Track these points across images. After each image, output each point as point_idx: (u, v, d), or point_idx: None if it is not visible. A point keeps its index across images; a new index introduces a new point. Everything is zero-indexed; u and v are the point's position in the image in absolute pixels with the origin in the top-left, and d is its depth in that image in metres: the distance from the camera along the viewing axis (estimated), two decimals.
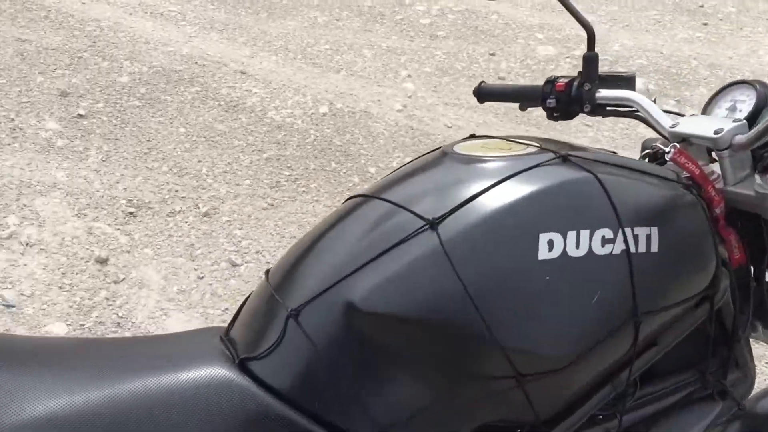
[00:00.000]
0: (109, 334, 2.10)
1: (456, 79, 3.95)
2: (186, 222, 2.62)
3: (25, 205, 2.52)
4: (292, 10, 4.60)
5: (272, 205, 2.78)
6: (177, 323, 2.16)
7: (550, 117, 1.21)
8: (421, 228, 0.86)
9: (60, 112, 3.14)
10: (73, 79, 3.43)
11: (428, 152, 1.05)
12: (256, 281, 2.38)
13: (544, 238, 0.84)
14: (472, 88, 1.31)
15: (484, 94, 1.29)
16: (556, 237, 0.84)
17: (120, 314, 2.17)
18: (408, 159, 3.26)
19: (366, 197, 0.96)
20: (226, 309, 2.24)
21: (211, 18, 4.34)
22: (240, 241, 2.55)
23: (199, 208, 2.69)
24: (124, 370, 0.86)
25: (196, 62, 3.77)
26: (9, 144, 2.87)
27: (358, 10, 4.68)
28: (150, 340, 0.99)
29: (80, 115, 3.14)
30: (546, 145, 0.97)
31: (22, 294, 2.16)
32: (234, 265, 2.44)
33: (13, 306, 2.10)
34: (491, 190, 0.87)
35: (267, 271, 1.00)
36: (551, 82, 1.18)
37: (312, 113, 3.46)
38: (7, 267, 2.24)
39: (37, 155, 2.82)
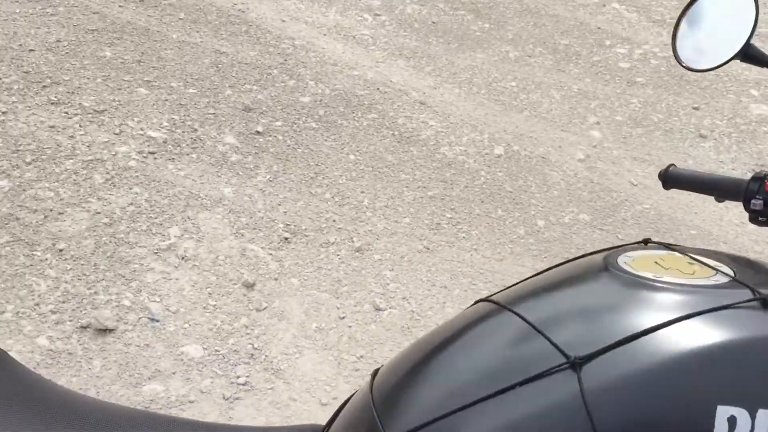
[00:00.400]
0: (241, 364, 2.05)
1: (650, 131, 3.62)
2: (338, 255, 2.55)
3: (189, 218, 2.57)
4: (484, 42, 4.46)
5: (428, 249, 2.64)
6: (309, 364, 2.08)
7: (754, 221, 0.98)
8: (559, 366, 0.68)
9: (240, 127, 3.21)
10: (258, 95, 3.50)
11: (586, 255, 0.86)
12: (396, 330, 2.25)
13: (723, 412, 0.63)
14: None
15: (671, 179, 1.09)
16: (741, 414, 0.63)
17: (255, 345, 2.12)
18: (583, 215, 3.01)
19: (499, 307, 0.79)
20: (361, 356, 2.13)
21: (401, 44, 4.31)
22: (388, 284, 2.44)
23: (353, 241, 2.62)
24: None
25: (378, 88, 3.74)
26: (188, 154, 2.96)
27: (553, 48, 4.45)
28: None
29: (258, 132, 3.19)
30: (742, 273, 0.75)
31: (167, 309, 2.17)
32: (377, 309, 2.33)
33: (157, 321, 2.12)
34: (658, 332, 0.67)
35: (374, 373, 0.86)
36: (761, 179, 0.96)
37: (486, 153, 3.30)
38: (159, 279, 2.27)
39: (210, 168, 2.89)
